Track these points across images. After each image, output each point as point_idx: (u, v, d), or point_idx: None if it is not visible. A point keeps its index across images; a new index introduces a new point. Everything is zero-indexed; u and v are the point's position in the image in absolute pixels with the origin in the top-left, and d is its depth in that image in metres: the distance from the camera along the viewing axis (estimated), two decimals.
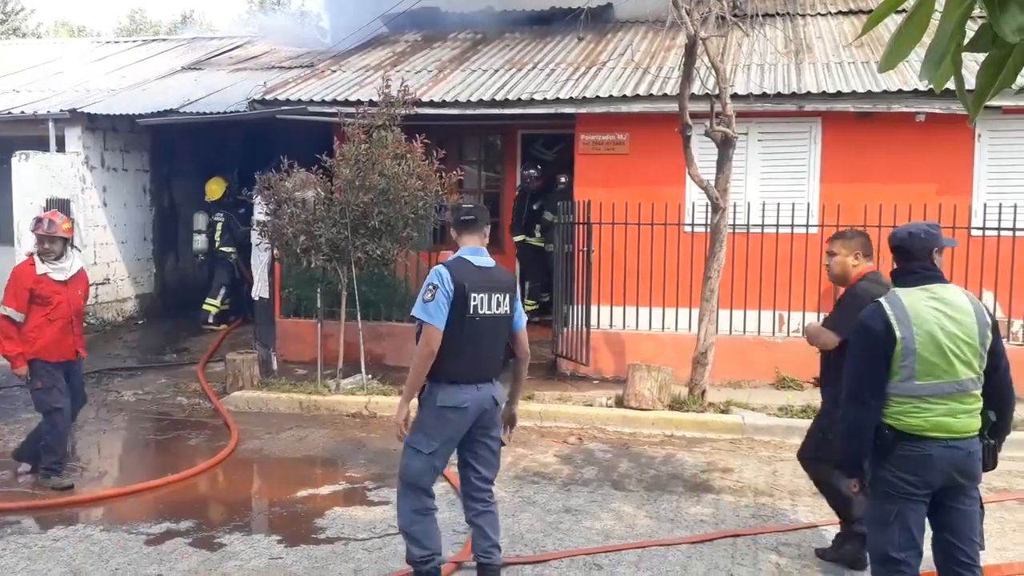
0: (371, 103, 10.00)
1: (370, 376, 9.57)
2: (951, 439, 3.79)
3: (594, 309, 9.98)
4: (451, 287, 4.50)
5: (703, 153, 9.30)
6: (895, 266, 4.02)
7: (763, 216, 9.54)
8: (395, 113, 9.60)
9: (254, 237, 10.46)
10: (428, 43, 13.92)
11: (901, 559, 3.85)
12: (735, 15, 8.83)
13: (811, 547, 5.55)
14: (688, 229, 9.90)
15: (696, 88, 9.04)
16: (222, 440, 8.03)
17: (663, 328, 9.97)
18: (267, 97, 11.50)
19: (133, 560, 5.34)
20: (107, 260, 13.07)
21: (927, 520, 3.94)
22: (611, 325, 10.20)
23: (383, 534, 5.77)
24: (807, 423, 8.10)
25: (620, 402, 8.81)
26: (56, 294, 6.73)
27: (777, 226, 9.62)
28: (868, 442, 3.87)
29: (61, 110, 12.45)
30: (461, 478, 4.83)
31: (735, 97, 9.27)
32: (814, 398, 8.68)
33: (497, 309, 4.61)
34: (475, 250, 4.71)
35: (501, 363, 4.73)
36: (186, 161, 14.48)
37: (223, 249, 13.12)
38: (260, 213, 9.85)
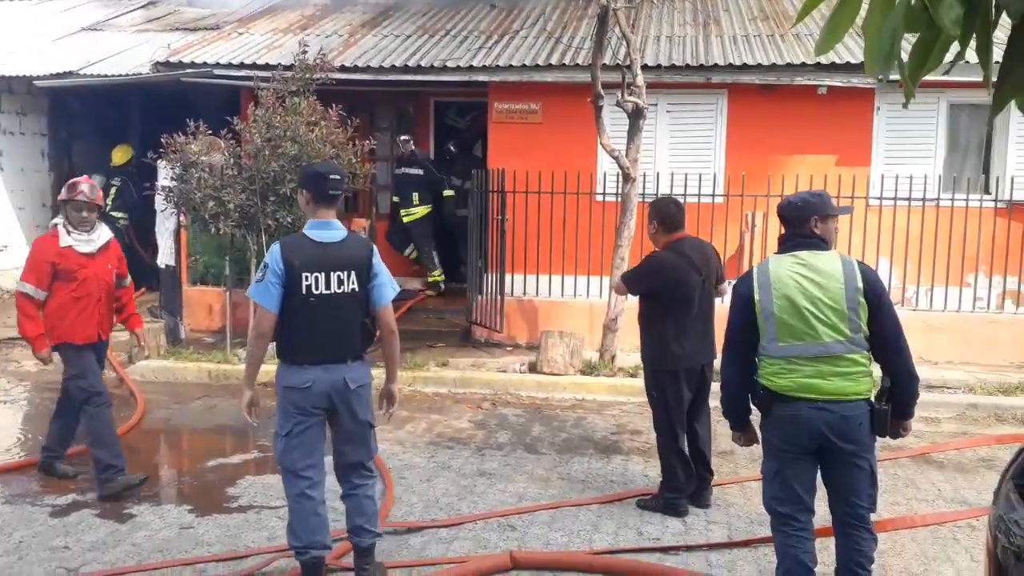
0: (283, 67, 9.83)
1: None
2: (821, 400, 3.87)
3: (508, 277, 10.07)
4: (281, 267, 4.28)
5: (614, 124, 9.44)
6: (782, 231, 4.19)
7: (671, 186, 9.72)
8: (310, 79, 9.45)
9: (158, 203, 10.19)
10: (338, 7, 13.68)
11: (785, 513, 4.02)
12: None
13: (716, 505, 5.75)
14: (600, 198, 10.04)
15: (608, 59, 9.15)
16: (128, 410, 7.87)
17: (575, 295, 10.12)
18: (171, 59, 11.18)
19: (38, 532, 5.23)
20: (3, 227, 12.56)
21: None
22: (524, 293, 10.30)
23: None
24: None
25: (533, 368, 8.94)
26: (82, 268, 5.92)
27: (684, 195, 9.74)
28: (741, 398, 4.12)
29: None
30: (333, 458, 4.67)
31: (645, 68, 9.41)
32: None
33: (339, 288, 4.36)
34: (321, 223, 4.43)
35: (357, 343, 4.47)
36: (87, 125, 13.95)
37: (112, 214, 12.74)
38: (165, 178, 9.61)
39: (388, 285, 4.55)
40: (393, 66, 10.74)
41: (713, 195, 9.89)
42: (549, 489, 6.07)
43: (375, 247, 4.62)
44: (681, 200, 9.67)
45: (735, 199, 9.74)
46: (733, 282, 4.24)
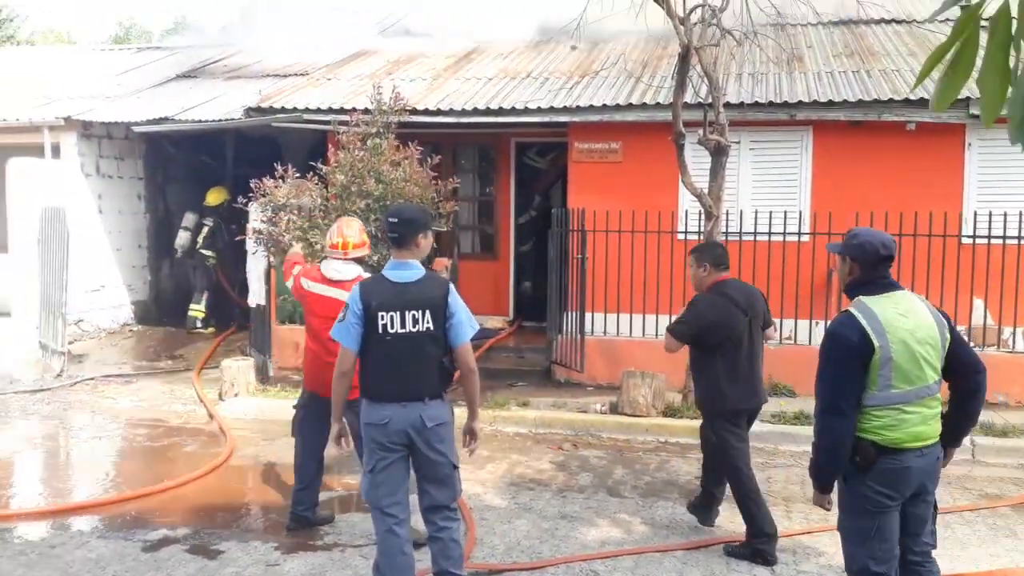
0: (365, 111, 10.07)
1: None
2: (924, 447, 3.83)
3: (588, 316, 10.04)
4: (360, 307, 4.43)
5: (695, 161, 9.38)
6: (854, 275, 3.97)
7: (755, 224, 9.61)
8: (388, 120, 9.65)
9: (249, 245, 10.49)
10: (422, 52, 13.98)
11: (882, 572, 3.86)
12: (727, 28, 8.91)
13: (805, 554, 5.60)
14: (681, 236, 9.96)
15: (689, 97, 9.12)
16: (218, 447, 8.06)
17: (657, 335, 10.00)
18: (263, 105, 11.55)
19: (130, 567, 5.37)
20: (102, 267, 13.08)
21: None
22: (605, 332, 10.26)
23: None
24: (801, 430, 8.22)
25: (615, 409, 8.86)
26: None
27: (769, 234, 9.69)
28: (846, 454, 3.82)
29: (56, 117, 12.47)
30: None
31: (728, 106, 9.35)
32: (807, 405, 8.74)
33: (414, 327, 4.43)
34: (399, 264, 4.55)
35: (435, 381, 4.51)
36: (180, 169, 14.51)
37: (203, 252, 13.25)
38: (256, 220, 9.88)
39: (466, 324, 4.57)
40: (475, 108, 10.89)
41: (799, 233, 9.74)
42: (632, 534, 5.98)
43: (452, 286, 4.68)
44: (765, 238, 9.70)
45: (821, 237, 9.55)
46: (830, 329, 3.89)
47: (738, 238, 9.58)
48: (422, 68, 13.03)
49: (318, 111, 11.20)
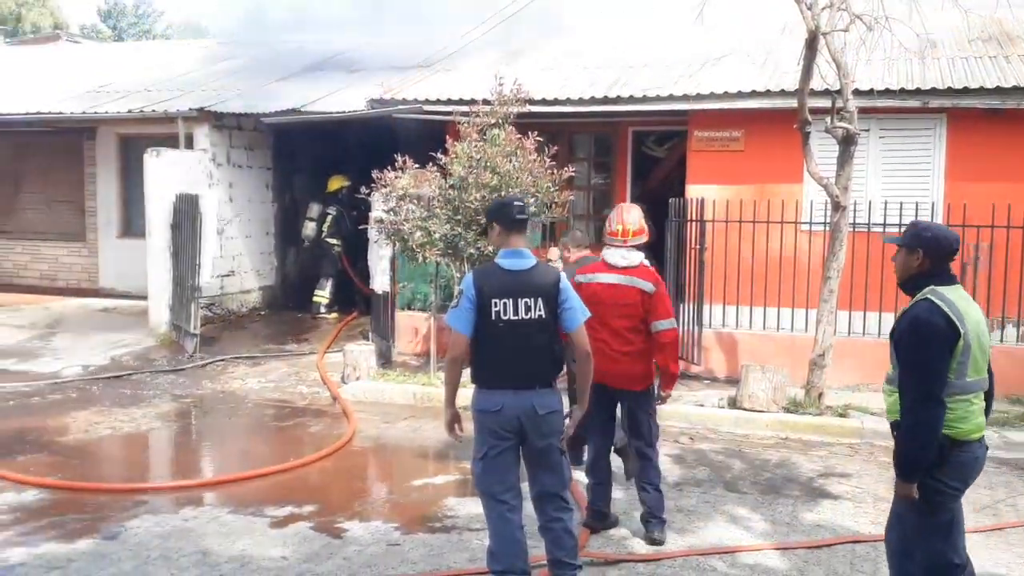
0: (484, 101, 10.14)
1: None
2: (982, 438, 3.91)
3: (706, 308, 9.89)
4: (474, 293, 4.47)
5: (821, 150, 9.10)
6: (923, 268, 3.91)
7: (885, 215, 9.27)
8: (508, 111, 9.70)
9: (371, 234, 10.77)
10: (541, 41, 14.00)
11: (963, 562, 3.89)
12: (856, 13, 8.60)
13: None
14: (805, 227, 9.70)
15: (815, 83, 8.85)
16: (341, 428, 8.30)
17: (778, 328, 9.80)
18: (385, 96, 11.78)
19: (259, 542, 5.58)
20: (232, 253, 13.63)
21: None
22: (723, 324, 10.09)
23: None
24: None
25: (733, 403, 8.71)
26: None
27: (900, 225, 9.29)
28: (936, 445, 3.77)
29: (190, 108, 13.01)
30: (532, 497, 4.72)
31: (857, 93, 9.03)
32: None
33: (527, 314, 4.48)
34: (512, 252, 4.59)
35: (547, 369, 4.59)
36: (306, 159, 14.95)
37: (328, 240, 13.69)
38: (378, 210, 10.11)
39: (578, 310, 4.62)
40: (593, 97, 10.85)
41: None
42: (751, 531, 5.88)
43: (563, 274, 4.72)
44: (896, 230, 9.35)
45: (955, 229, 9.11)
46: (916, 316, 3.82)
47: (866, 229, 9.26)
48: (540, 57, 13.04)
49: (437, 102, 11.35)
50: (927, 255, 3.91)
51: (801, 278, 9.51)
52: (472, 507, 6.23)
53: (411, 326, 11.10)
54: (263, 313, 13.91)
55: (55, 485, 6.57)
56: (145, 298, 12.26)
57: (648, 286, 5.60)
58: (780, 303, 9.68)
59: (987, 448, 3.96)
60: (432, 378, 9.55)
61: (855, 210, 9.10)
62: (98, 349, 11.36)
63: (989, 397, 4.00)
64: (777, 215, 9.61)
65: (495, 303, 4.47)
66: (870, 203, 9.46)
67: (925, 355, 3.77)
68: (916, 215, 9.25)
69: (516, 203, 4.64)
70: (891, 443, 7.81)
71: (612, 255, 5.69)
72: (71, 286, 15.48)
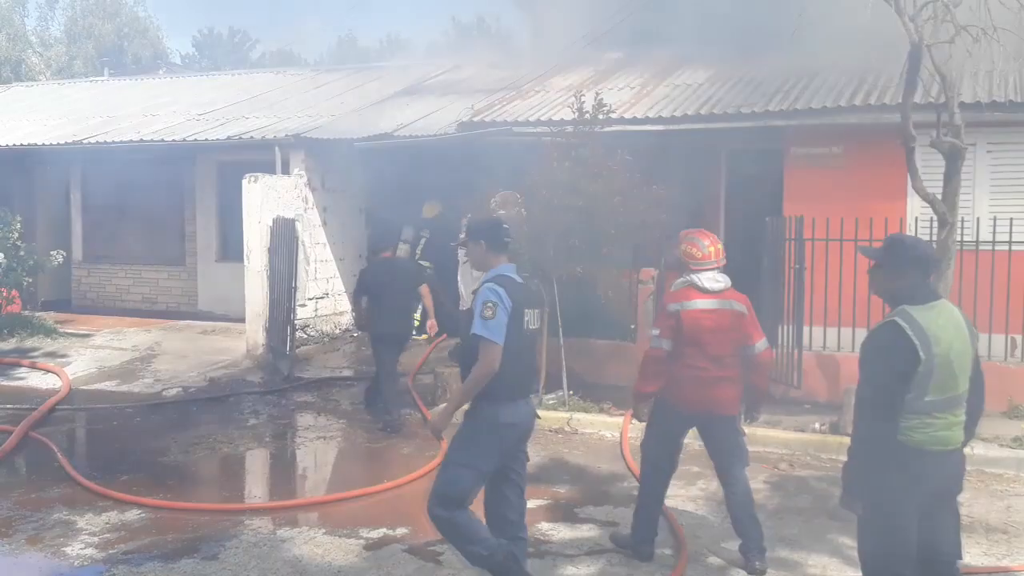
0: (566, 122, 10.09)
1: (571, 392, 9.61)
2: (946, 451, 3.87)
3: (806, 330, 9.59)
4: (510, 303, 4.61)
5: (925, 166, 8.75)
6: (905, 283, 3.91)
7: (994, 232, 8.87)
8: (592, 131, 9.62)
9: (460, 255, 10.81)
10: (631, 61, 13.90)
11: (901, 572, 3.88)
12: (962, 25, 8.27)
13: None
14: None
15: (919, 97, 8.54)
16: (432, 450, 8.28)
17: None
18: (475, 119, 11.85)
19: (354, 564, 5.60)
20: (326, 276, 13.85)
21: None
22: (824, 346, 9.77)
23: (590, 552, 5.77)
24: None
25: (835, 428, 8.40)
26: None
27: (1010, 243, 8.92)
28: (879, 458, 3.84)
29: (286, 135, 13.32)
30: (494, 496, 4.87)
31: (962, 106, 8.68)
32: None
33: (537, 324, 4.90)
34: (509, 267, 4.86)
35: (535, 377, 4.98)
36: (399, 182, 15.10)
37: (422, 262, 13.75)
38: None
39: None
40: (685, 115, 10.69)
41: None
42: (854, 562, 5.59)
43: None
44: (1005, 248, 8.93)
45: None
46: (876, 339, 3.87)
47: (974, 247, 8.87)
48: (630, 76, 12.95)
49: (526, 123, 11.36)
50: (912, 270, 3.93)
51: None
52: (566, 532, 6.14)
53: None
54: (356, 335, 14.05)
55: (157, 504, 6.70)
56: (242, 320, 12.52)
57: (743, 308, 5.55)
58: None
59: (957, 462, 3.93)
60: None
61: (962, 227, 8.72)
62: (196, 370, 11.64)
63: (973, 411, 3.99)
64: (880, 233, 9.25)
65: (527, 313, 4.73)
66: (978, 220, 9.07)
67: (877, 375, 3.82)
68: None
69: (504, 226, 4.95)
70: (1003, 470, 7.50)
71: (706, 279, 5.55)
72: (171, 309, 15.94)
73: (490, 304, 4.57)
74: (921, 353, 3.73)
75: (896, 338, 3.77)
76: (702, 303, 5.49)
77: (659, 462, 5.66)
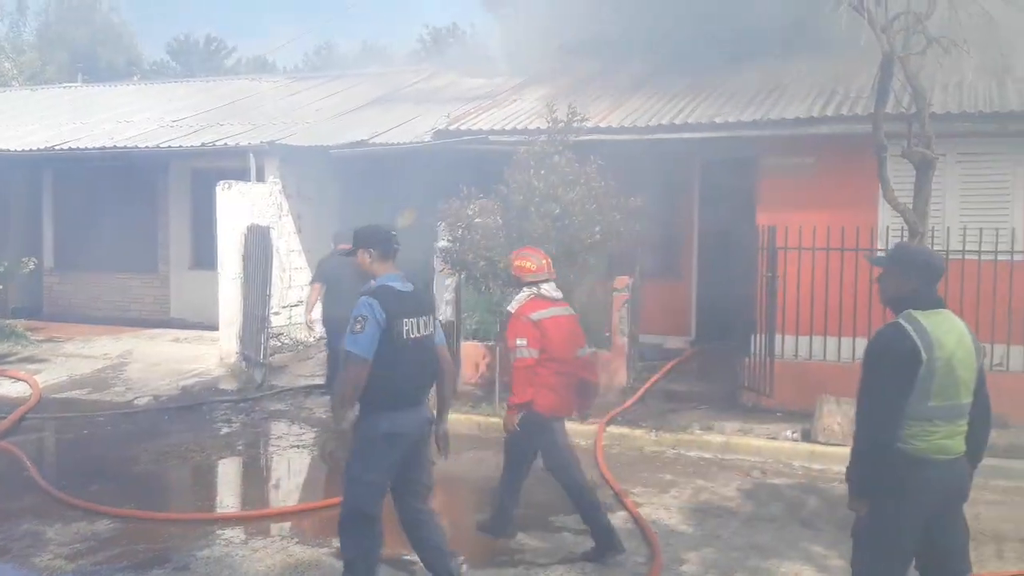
0: (539, 130, 10.12)
1: None
2: (948, 459, 3.85)
3: (778, 338, 9.65)
4: (383, 315, 4.62)
5: (896, 176, 8.83)
6: (910, 289, 3.95)
7: (964, 242, 8.97)
8: (566, 140, 9.65)
9: (436, 263, 10.77)
10: (607, 72, 13.96)
11: None
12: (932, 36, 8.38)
13: None
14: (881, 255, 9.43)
15: (890, 107, 8.63)
16: None
17: (853, 359, 9.50)
18: (450, 127, 11.86)
19: (326, 573, 5.55)
20: (301, 284, 13.76)
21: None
22: (796, 355, 9.83)
23: (564, 560, 5.77)
24: (1013, 464, 7.59)
25: (807, 436, 8.47)
26: None
27: (979, 252, 9.03)
28: (883, 462, 3.83)
29: (261, 142, 13.25)
30: (400, 503, 4.99)
31: (933, 117, 8.79)
32: (1019, 437, 8.10)
33: (424, 331, 4.82)
34: (394, 276, 4.85)
35: (430, 384, 4.96)
36: (374, 190, 15.07)
37: None
38: (443, 240, 10.12)
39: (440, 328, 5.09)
40: (660, 124, 10.75)
41: (1012, 252, 9.03)
42: (829, 571, 5.66)
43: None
44: (975, 257, 9.05)
45: None
46: (880, 338, 3.91)
47: (944, 257, 8.96)
48: (606, 86, 13.01)
49: (503, 132, 11.38)
50: (917, 277, 3.95)
51: (877, 306, 9.20)
52: (538, 542, 6.13)
53: (473, 356, 11.05)
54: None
55: (127, 514, 6.62)
56: (215, 328, 12.43)
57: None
58: (856, 332, 9.39)
59: (959, 473, 3.90)
60: (497, 408, 9.47)
61: (933, 236, 8.82)
62: (169, 379, 11.54)
63: (978, 426, 3.97)
64: (852, 242, 9.36)
65: (406, 323, 4.70)
66: (948, 229, 9.17)
67: (879, 377, 3.83)
68: (996, 242, 8.95)
69: (392, 232, 4.99)
70: (986, 479, 7.56)
71: (548, 289, 5.95)
72: (143, 317, 15.78)
73: (360, 318, 4.63)
74: (923, 353, 3.75)
75: (898, 338, 3.81)
76: (555, 310, 5.90)
77: (527, 460, 6.16)
